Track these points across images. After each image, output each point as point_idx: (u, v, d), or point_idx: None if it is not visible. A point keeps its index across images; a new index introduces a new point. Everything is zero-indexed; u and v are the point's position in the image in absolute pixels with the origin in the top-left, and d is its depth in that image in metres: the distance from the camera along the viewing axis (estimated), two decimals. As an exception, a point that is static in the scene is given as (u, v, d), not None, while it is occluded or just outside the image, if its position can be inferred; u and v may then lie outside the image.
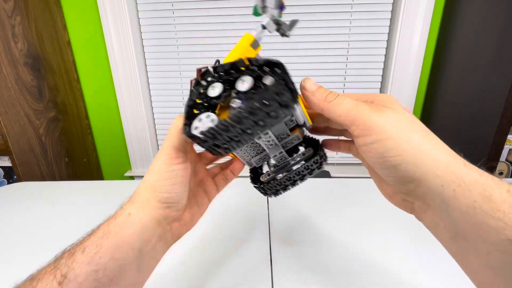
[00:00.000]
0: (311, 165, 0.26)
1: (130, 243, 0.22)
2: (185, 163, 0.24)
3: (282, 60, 0.19)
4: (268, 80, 0.20)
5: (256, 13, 0.24)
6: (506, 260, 0.15)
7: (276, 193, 0.29)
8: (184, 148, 0.24)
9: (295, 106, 0.21)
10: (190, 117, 0.22)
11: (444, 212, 0.17)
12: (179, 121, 0.23)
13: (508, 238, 0.15)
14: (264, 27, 0.24)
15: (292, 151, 0.29)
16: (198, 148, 0.26)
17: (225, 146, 0.20)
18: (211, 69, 0.23)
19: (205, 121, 0.21)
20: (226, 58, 0.23)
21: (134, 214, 0.22)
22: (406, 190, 0.19)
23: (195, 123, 0.21)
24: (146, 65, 1.28)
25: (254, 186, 0.30)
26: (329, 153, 0.29)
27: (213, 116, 0.21)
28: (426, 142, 0.18)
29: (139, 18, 1.20)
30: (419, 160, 0.17)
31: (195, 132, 0.21)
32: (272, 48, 1.17)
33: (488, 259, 0.16)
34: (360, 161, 0.26)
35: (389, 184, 0.21)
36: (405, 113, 0.19)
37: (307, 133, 0.29)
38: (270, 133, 0.24)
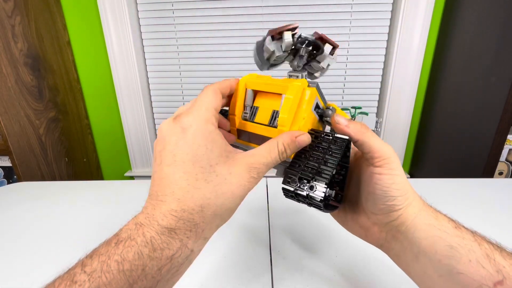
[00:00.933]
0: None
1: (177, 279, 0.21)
2: None
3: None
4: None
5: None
6: (449, 264, 0.20)
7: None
8: None
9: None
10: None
11: (412, 234, 0.23)
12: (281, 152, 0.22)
13: (449, 244, 0.21)
14: None
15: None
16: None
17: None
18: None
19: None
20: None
21: (196, 251, 0.21)
22: (388, 219, 0.24)
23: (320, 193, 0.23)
24: (146, 65, 1.28)
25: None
26: None
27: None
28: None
29: (139, 18, 1.21)
30: (409, 196, 0.24)
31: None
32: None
33: (440, 267, 0.21)
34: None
35: (369, 217, 0.26)
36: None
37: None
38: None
